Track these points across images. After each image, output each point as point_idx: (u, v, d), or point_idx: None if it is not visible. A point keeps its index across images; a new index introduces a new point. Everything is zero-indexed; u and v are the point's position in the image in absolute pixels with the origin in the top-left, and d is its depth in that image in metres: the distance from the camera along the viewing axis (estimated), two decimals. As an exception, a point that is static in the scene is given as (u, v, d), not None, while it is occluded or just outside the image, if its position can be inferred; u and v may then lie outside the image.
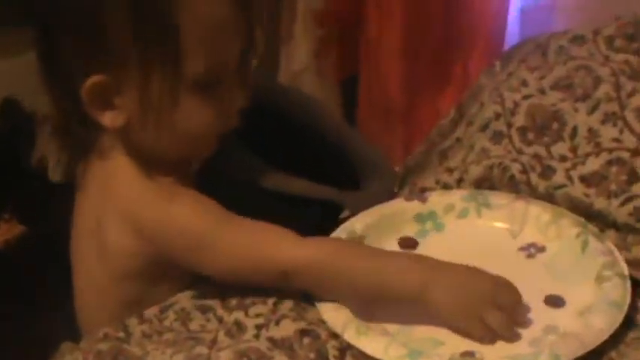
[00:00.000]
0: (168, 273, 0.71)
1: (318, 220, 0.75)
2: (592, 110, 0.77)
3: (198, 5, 0.66)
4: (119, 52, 0.66)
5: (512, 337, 0.63)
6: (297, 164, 0.79)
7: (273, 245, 0.67)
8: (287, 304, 0.68)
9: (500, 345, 0.63)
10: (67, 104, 0.71)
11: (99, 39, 0.66)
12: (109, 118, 0.69)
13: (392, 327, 0.66)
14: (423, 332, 0.65)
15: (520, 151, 0.78)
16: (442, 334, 0.65)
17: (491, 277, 0.65)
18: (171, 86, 0.67)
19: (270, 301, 0.69)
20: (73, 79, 0.68)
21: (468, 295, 0.64)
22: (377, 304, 0.67)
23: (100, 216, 0.72)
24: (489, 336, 0.63)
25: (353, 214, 0.77)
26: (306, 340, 0.65)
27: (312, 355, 0.63)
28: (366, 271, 0.66)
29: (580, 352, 0.61)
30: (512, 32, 1.26)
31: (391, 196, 0.80)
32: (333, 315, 0.66)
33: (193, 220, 0.68)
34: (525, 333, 0.64)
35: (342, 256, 0.67)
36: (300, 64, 1.39)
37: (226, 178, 0.75)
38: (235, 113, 0.71)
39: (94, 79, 0.67)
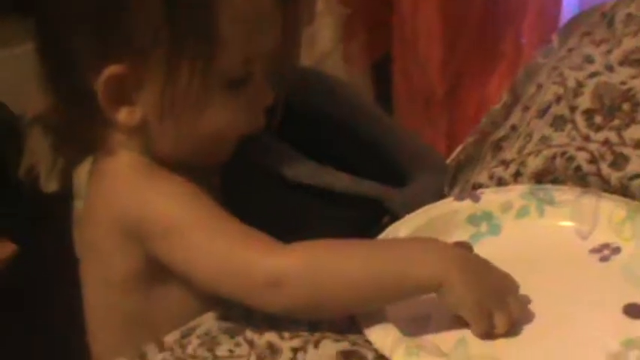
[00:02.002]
0: (166, 277, 0.73)
1: (359, 221, 0.75)
2: (671, 87, 0.75)
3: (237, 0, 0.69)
4: (144, 41, 0.68)
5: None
6: (331, 160, 0.80)
7: (260, 250, 0.67)
8: (326, 323, 0.69)
9: (574, 362, 0.64)
10: (72, 98, 0.72)
11: (121, 24, 0.68)
12: (124, 115, 0.71)
13: (446, 345, 0.67)
14: (481, 350, 0.66)
15: (587, 138, 0.79)
16: (501, 351, 0.66)
17: (503, 274, 0.68)
18: (201, 81, 0.69)
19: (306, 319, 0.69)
20: (83, 70, 0.70)
21: (482, 291, 0.66)
22: (428, 320, 0.68)
23: (99, 226, 0.74)
24: (492, 334, 0.66)
25: (397, 215, 0.78)
26: (350, 364, 0.66)
27: (357, 381, 0.65)
28: (365, 271, 0.66)
29: (669, 371, 0.62)
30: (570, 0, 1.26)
31: (441, 194, 0.82)
32: (380, 334, 0.67)
33: (170, 209, 0.69)
34: (603, 348, 0.65)
35: (337, 257, 0.67)
36: (324, 48, 1.40)
37: (258, 170, 0.76)
38: (262, 113, 0.73)
39: (112, 69, 0.69)
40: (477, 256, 0.69)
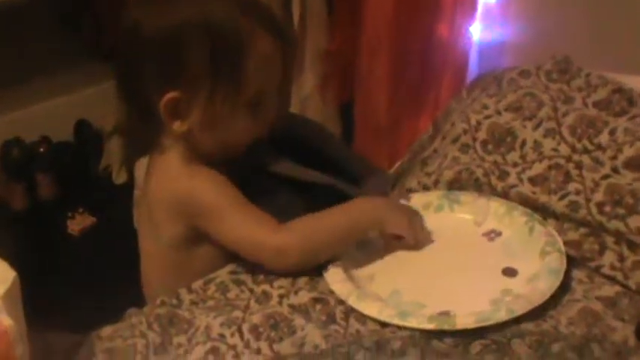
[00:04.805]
0: (197, 243, 0.73)
1: (325, 206, 0.74)
2: (536, 127, 0.79)
3: (258, 50, 0.70)
4: (194, 79, 0.70)
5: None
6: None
7: (269, 229, 0.69)
8: (303, 279, 0.70)
9: (469, 305, 0.66)
10: (142, 114, 0.73)
11: (180, 68, 0.70)
12: (177, 125, 0.72)
13: (385, 294, 0.68)
14: (410, 298, 0.68)
15: (482, 159, 0.79)
16: (424, 298, 0.67)
17: (408, 207, 0.76)
18: (230, 105, 0.70)
19: (290, 275, 0.70)
20: (151, 94, 0.71)
21: (402, 214, 0.73)
22: (372, 278, 0.69)
23: (153, 201, 0.74)
24: (417, 241, 0.73)
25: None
26: (318, 306, 0.67)
27: (323, 318, 0.66)
28: (335, 230, 0.70)
29: (529, 308, 0.64)
30: (473, 66, 1.27)
31: (385, 195, 0.80)
32: (340, 286, 0.68)
33: (210, 195, 0.70)
34: (488, 296, 0.67)
35: (317, 228, 0.70)
36: (308, 91, 1.39)
37: (263, 171, 0.75)
38: (267, 125, 0.74)
39: (171, 94, 0.70)
40: (391, 200, 0.76)
